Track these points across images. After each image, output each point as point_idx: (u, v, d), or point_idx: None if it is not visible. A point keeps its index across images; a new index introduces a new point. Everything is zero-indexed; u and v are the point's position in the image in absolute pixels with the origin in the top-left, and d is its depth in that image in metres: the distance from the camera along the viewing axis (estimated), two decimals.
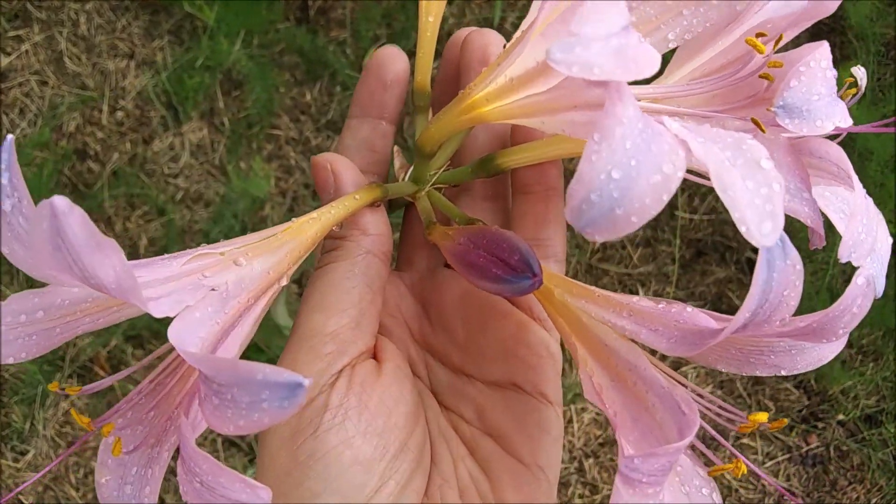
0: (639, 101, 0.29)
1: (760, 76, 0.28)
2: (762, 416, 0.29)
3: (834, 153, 0.28)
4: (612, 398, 0.28)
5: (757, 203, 0.23)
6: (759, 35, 0.29)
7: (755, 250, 1.27)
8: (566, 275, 0.35)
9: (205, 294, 0.27)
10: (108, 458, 0.31)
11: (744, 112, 0.30)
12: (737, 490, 1.20)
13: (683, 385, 0.29)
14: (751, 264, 1.34)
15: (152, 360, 0.31)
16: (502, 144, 0.38)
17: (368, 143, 0.37)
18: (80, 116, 1.44)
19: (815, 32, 1.37)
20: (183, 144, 1.41)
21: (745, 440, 1.23)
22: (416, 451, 0.32)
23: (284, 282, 0.31)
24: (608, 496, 1.20)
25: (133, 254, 1.34)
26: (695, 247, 1.35)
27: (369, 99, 0.37)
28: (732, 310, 1.19)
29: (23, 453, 1.20)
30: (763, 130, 0.27)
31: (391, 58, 0.36)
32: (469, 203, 0.37)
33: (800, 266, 0.25)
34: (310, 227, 0.31)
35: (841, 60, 1.49)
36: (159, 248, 1.31)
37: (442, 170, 0.36)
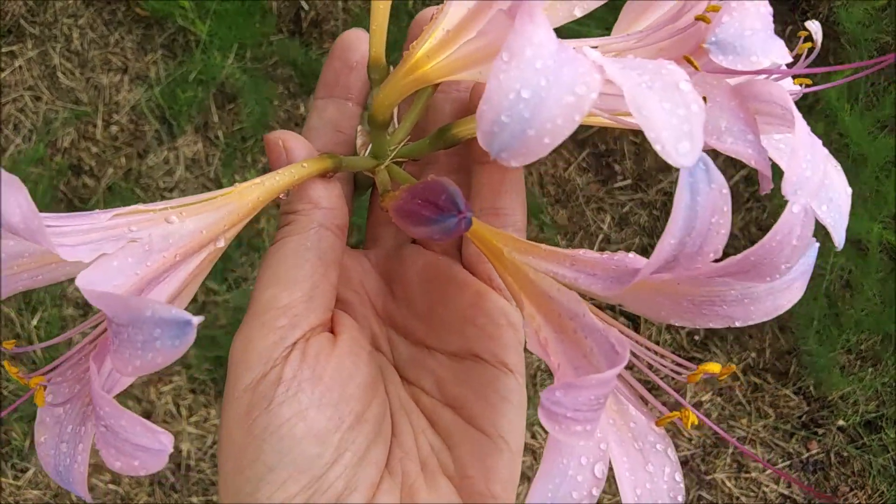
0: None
1: (697, 18, 0.28)
2: (714, 367, 0.29)
3: (776, 93, 0.27)
4: (556, 350, 0.28)
5: (673, 123, 0.22)
6: None
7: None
8: None
9: (124, 245, 0.27)
10: (46, 416, 0.31)
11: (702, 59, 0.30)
12: (738, 498, 1.20)
13: (628, 335, 0.30)
14: None
15: (95, 322, 0.31)
16: (466, 114, 0.37)
17: (334, 123, 0.37)
18: (75, 131, 1.44)
19: (808, 36, 1.37)
20: (178, 158, 1.40)
21: (745, 447, 1.23)
22: (374, 423, 0.32)
23: (221, 243, 0.31)
24: (610, 500, 1.20)
25: None
26: None
27: (335, 80, 0.37)
28: None
29: (23, 471, 1.20)
30: (696, 67, 0.27)
31: (356, 40, 0.37)
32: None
33: (726, 191, 0.24)
34: (252, 191, 0.31)
35: (835, 66, 1.49)
36: None
37: (402, 144, 0.36)
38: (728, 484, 1.20)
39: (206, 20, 1.41)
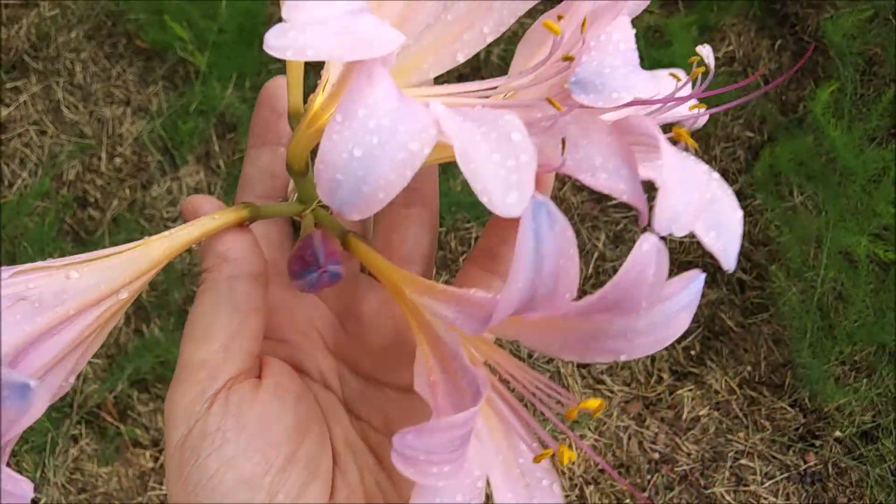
0: (463, 96, 0.30)
1: (564, 58, 0.28)
2: (593, 403, 0.29)
3: (644, 125, 0.27)
4: (444, 391, 0.28)
5: (501, 175, 0.23)
6: (559, 17, 0.29)
7: (745, 270, 1.29)
8: None
9: (12, 303, 0.28)
10: None
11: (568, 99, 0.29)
12: None
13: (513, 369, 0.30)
14: (741, 284, 1.36)
15: None
16: None
17: (269, 169, 0.37)
18: (80, 164, 1.47)
19: (796, 52, 1.39)
20: (181, 188, 1.43)
21: (743, 461, 1.24)
22: (307, 463, 0.32)
23: (125, 295, 0.31)
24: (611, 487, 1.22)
25: (136, 300, 1.37)
26: (685, 269, 1.37)
27: (264, 128, 0.38)
28: (725, 330, 1.21)
29: (35, 502, 1.22)
30: (558, 108, 0.27)
31: (280, 88, 0.37)
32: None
33: (570, 233, 0.24)
34: (159, 244, 0.32)
35: (823, 79, 1.51)
36: (160, 291, 1.33)
37: None
38: (727, 497, 1.22)
39: (204, 51, 1.44)
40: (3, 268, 0.29)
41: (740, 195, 1.44)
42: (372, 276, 0.37)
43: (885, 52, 1.51)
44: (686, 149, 0.30)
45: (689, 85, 0.32)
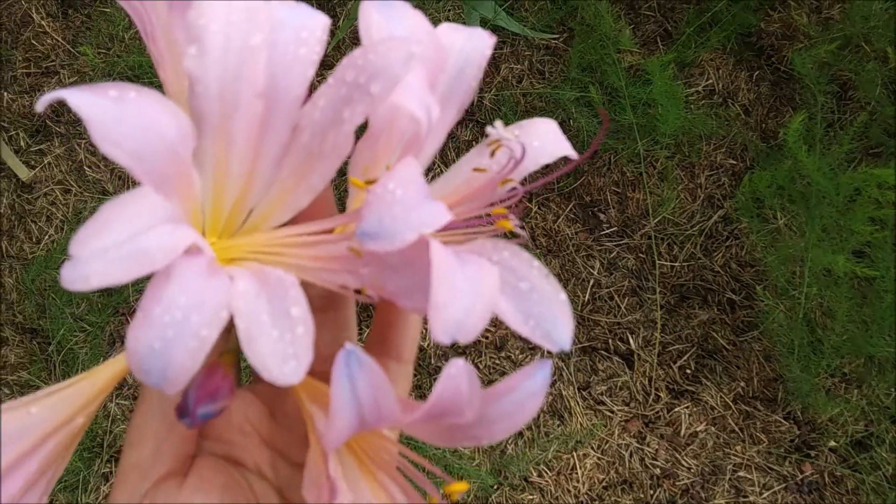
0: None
1: (350, 248, 0.30)
2: (461, 486, 0.31)
3: (432, 250, 0.28)
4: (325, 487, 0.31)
5: (279, 349, 0.25)
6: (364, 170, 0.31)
7: (735, 291, 1.35)
8: None
9: None
10: None
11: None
12: None
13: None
14: (732, 304, 1.42)
15: None
16: None
17: None
18: None
19: (774, 81, 1.47)
20: None
21: (741, 473, 1.29)
22: None
23: (81, 420, 0.34)
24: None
25: None
26: (678, 292, 1.44)
27: None
28: (718, 349, 1.29)
29: None
30: (358, 255, 0.29)
31: None
32: None
33: (377, 368, 0.26)
34: (104, 370, 0.35)
35: (801, 106, 1.58)
36: None
37: None
38: None
39: None
40: None
41: (727, 219, 1.51)
42: None
43: (859, 77, 1.59)
44: (514, 235, 0.32)
45: (513, 161, 0.34)
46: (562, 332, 0.30)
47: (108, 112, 0.25)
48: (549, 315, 0.30)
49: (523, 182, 0.35)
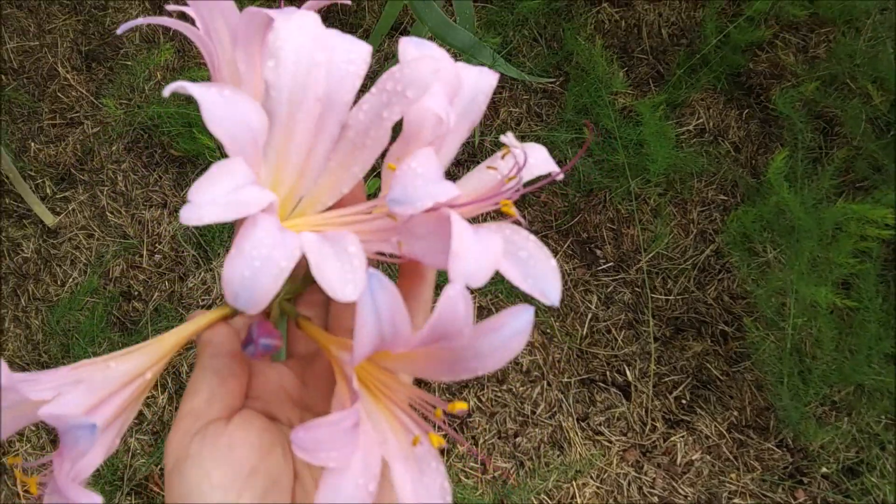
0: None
1: (389, 215, 0.37)
2: (461, 405, 0.37)
3: (450, 217, 0.34)
4: (343, 406, 0.38)
5: (341, 275, 0.32)
6: (394, 163, 0.39)
7: (727, 322, 1.41)
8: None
9: (74, 387, 0.38)
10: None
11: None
12: None
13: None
14: (724, 336, 1.47)
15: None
16: None
17: None
18: (124, 262, 1.64)
19: (763, 119, 1.54)
20: (214, 278, 1.60)
21: (736, 500, 1.33)
22: (270, 473, 0.41)
23: (149, 376, 0.42)
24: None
25: (176, 378, 1.52)
26: (673, 325, 1.49)
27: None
28: (712, 379, 1.36)
29: None
30: (394, 219, 0.36)
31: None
32: (307, 304, 0.48)
33: (396, 291, 0.32)
34: (169, 337, 0.43)
35: (789, 142, 1.64)
36: None
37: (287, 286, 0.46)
38: None
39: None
40: (62, 367, 0.40)
41: (719, 253, 1.57)
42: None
43: (845, 113, 1.65)
44: (517, 221, 0.39)
45: (517, 168, 0.42)
46: (552, 291, 0.37)
47: (217, 102, 0.33)
48: (543, 276, 0.37)
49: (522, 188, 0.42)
